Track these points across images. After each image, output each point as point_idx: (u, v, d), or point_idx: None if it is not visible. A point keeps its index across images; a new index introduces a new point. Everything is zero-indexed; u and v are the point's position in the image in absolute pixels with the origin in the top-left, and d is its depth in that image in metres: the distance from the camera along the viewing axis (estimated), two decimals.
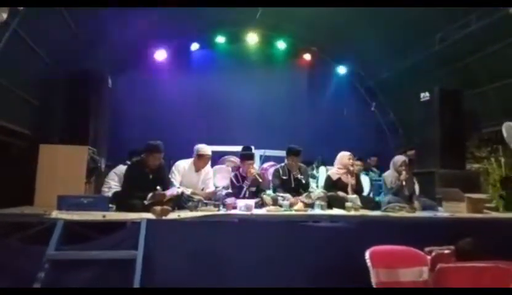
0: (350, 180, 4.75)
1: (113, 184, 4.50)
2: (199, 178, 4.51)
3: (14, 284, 2.91)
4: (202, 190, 4.39)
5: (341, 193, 4.57)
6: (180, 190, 3.91)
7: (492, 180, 5.10)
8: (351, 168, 4.78)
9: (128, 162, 4.71)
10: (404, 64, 6.79)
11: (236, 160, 5.49)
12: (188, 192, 4.09)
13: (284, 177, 4.75)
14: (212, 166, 5.66)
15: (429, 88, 5.82)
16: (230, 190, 4.53)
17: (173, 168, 4.37)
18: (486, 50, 5.63)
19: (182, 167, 4.42)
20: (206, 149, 4.49)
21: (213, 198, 4.13)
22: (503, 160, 5.11)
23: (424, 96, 5.79)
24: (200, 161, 4.46)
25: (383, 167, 5.79)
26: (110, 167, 4.85)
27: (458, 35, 5.70)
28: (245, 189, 4.50)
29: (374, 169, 6.59)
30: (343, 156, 4.82)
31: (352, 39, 7.01)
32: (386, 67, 7.27)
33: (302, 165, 4.94)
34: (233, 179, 4.63)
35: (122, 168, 4.51)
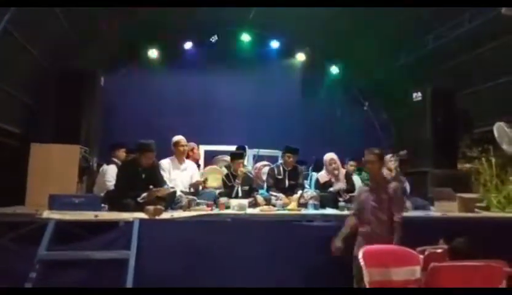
0: (339, 183, 4.75)
1: (104, 186, 4.49)
2: (185, 170, 4.57)
3: (5, 285, 2.86)
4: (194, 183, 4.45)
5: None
6: (172, 190, 3.89)
7: (483, 180, 5.15)
8: (336, 172, 4.76)
9: (115, 159, 4.70)
10: (396, 63, 6.83)
11: (229, 159, 5.49)
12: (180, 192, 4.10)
13: (279, 177, 4.76)
14: (206, 165, 5.67)
15: (422, 88, 5.86)
16: (222, 190, 4.53)
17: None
18: (478, 49, 5.67)
19: (166, 163, 4.48)
20: (179, 136, 4.64)
21: (206, 198, 4.14)
22: (493, 160, 5.16)
23: (417, 96, 5.83)
24: (178, 149, 4.56)
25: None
26: (101, 166, 4.82)
27: (450, 35, 5.73)
28: (236, 188, 4.49)
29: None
30: (328, 160, 4.82)
31: (345, 39, 7.02)
32: (379, 66, 7.29)
33: (298, 166, 4.95)
34: (225, 179, 4.63)
35: (107, 169, 4.52)
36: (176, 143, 4.59)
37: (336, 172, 4.77)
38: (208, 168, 5.30)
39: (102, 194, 4.13)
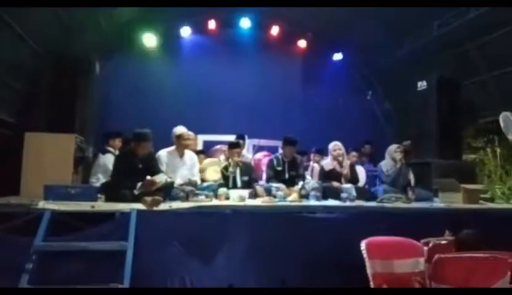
0: (343, 171, 4.70)
1: (100, 176, 4.42)
2: (184, 164, 4.43)
3: (1, 275, 2.82)
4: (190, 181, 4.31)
5: (335, 184, 4.52)
6: (169, 180, 3.81)
7: (487, 171, 5.08)
8: (340, 159, 4.72)
9: (109, 148, 4.62)
10: (401, 51, 6.71)
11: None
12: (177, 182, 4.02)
13: (278, 168, 4.68)
14: (205, 155, 5.59)
15: (427, 77, 5.76)
16: (222, 182, 4.44)
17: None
18: (485, 38, 5.56)
19: (164, 155, 4.34)
20: (182, 129, 4.45)
21: (209, 190, 4.06)
22: (498, 150, 5.08)
23: (422, 84, 5.73)
24: (180, 142, 4.40)
25: (378, 157, 5.72)
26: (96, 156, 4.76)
27: (456, 22, 5.61)
28: (232, 176, 4.41)
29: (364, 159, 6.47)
30: (331, 146, 4.77)
31: (348, 26, 6.89)
32: (383, 54, 7.17)
33: (298, 156, 4.88)
34: (224, 171, 4.54)
35: (103, 158, 4.42)
36: (179, 137, 4.39)
37: (340, 158, 4.71)
38: (207, 160, 5.21)
39: (99, 183, 4.08)
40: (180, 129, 4.45)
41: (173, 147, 4.45)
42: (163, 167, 4.20)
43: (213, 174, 4.70)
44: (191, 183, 4.20)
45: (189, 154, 4.56)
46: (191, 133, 4.73)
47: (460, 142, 5.73)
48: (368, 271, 2.59)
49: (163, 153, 4.37)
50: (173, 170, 4.30)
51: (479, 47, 5.71)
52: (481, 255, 2.47)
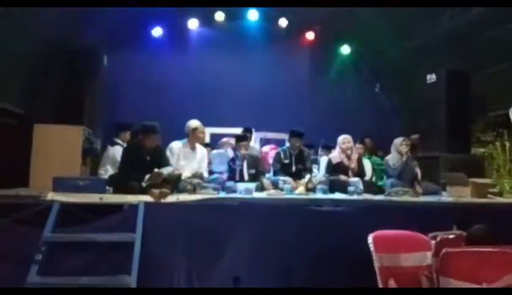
0: (350, 164, 4.68)
1: (109, 168, 4.45)
2: (195, 157, 4.46)
3: (10, 267, 2.86)
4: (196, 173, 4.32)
5: (342, 177, 4.51)
6: (177, 172, 3.83)
7: (496, 165, 5.02)
8: (349, 152, 4.70)
9: (118, 140, 4.64)
10: (410, 44, 6.60)
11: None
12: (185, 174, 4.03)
13: (285, 161, 4.67)
14: (212, 148, 5.60)
15: (436, 70, 5.68)
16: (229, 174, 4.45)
17: (167, 150, 4.28)
18: (494, 30, 5.44)
19: (177, 147, 4.37)
20: (197, 122, 4.50)
21: (216, 182, 4.08)
22: (507, 144, 5.01)
23: (431, 77, 5.65)
24: (195, 135, 4.45)
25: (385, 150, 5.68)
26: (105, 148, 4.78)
27: (466, 15, 5.51)
28: (238, 169, 4.41)
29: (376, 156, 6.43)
30: (340, 139, 4.75)
31: (357, 18, 6.80)
32: (392, 47, 7.06)
33: (305, 149, 4.87)
34: (231, 163, 4.55)
35: (112, 150, 4.45)
36: (195, 129, 4.46)
37: (349, 152, 4.69)
38: (214, 151, 5.22)
39: (107, 175, 4.10)
40: (195, 123, 4.50)
41: (185, 140, 4.47)
42: (174, 158, 4.23)
43: (221, 166, 4.72)
44: (197, 175, 4.22)
45: (199, 147, 4.61)
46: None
47: (469, 136, 5.67)
48: (375, 264, 2.60)
49: (176, 145, 4.40)
50: (184, 163, 4.34)
51: (489, 39, 5.58)
52: (489, 249, 2.46)
